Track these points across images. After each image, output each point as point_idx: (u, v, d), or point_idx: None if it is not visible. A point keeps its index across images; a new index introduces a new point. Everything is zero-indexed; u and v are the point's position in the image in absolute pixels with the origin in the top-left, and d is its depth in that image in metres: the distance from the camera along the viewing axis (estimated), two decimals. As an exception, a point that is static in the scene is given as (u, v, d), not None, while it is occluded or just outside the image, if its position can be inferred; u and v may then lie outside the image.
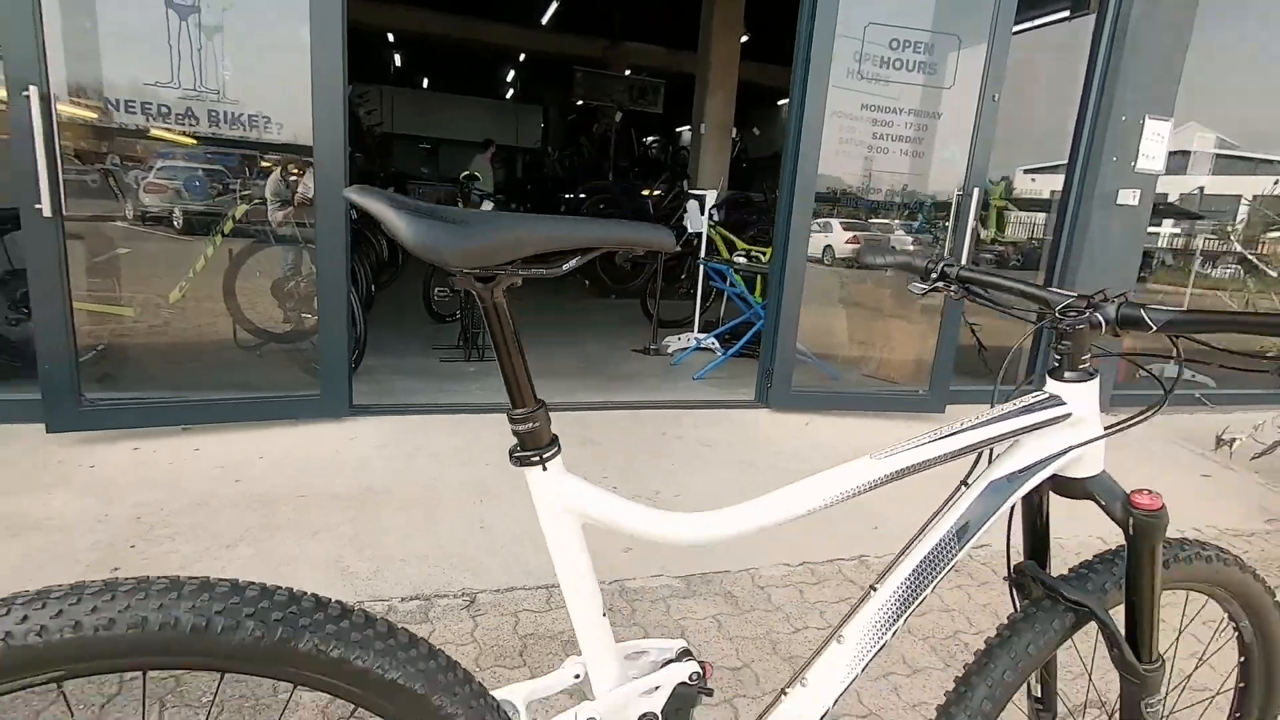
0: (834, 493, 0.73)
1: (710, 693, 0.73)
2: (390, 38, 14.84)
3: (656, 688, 0.71)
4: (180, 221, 3.12)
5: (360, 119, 11.03)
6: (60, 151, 2.37)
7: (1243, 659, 1.08)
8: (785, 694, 0.77)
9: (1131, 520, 0.78)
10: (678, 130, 14.99)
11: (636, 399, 3.67)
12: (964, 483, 0.82)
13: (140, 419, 2.67)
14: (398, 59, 17.03)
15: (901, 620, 0.78)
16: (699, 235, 4.84)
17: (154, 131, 2.67)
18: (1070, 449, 0.80)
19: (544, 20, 13.08)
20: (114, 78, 2.56)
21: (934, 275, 0.96)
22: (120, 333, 3.06)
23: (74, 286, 2.51)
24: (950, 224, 3.54)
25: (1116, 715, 0.89)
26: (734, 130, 9.70)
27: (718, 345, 4.61)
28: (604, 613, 0.69)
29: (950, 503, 0.82)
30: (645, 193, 8.57)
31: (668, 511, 0.68)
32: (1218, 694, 1.63)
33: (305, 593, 0.61)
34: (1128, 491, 0.79)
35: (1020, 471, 0.80)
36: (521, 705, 0.71)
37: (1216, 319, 0.71)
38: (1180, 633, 1.35)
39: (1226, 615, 1.04)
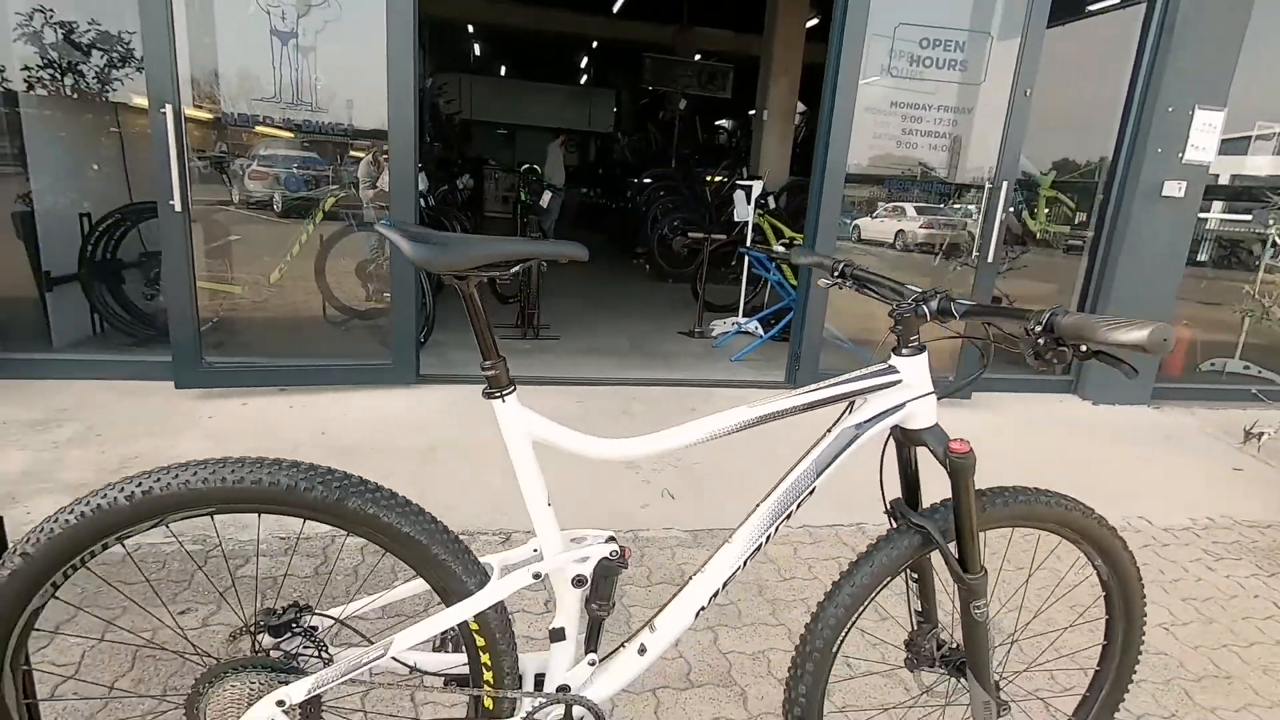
0: (716, 429, 1.01)
1: (625, 565, 1.04)
2: (470, 29, 15.48)
3: (586, 558, 1.02)
4: (279, 207, 3.63)
5: (440, 108, 11.66)
6: (188, 156, 2.87)
7: (1105, 594, 1.30)
8: (684, 587, 1.09)
9: (949, 461, 1.04)
10: (750, 113, 15.00)
11: (675, 377, 3.98)
12: (828, 431, 1.09)
13: (248, 380, 3.19)
14: (477, 49, 17.70)
15: (777, 522, 1.07)
16: (746, 224, 5.06)
17: (259, 131, 3.16)
18: (901, 405, 1.06)
19: (615, 8, 13.35)
20: (230, 93, 3.05)
21: (836, 273, 1.23)
22: (231, 307, 3.61)
23: (196, 267, 3.03)
24: (980, 215, 3.65)
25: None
26: (800, 113, 9.72)
27: (759, 329, 4.83)
28: (549, 504, 1.01)
29: (814, 445, 1.10)
30: (708, 179, 8.78)
31: (589, 435, 0.99)
32: (1076, 622, 1.83)
33: (358, 476, 0.97)
34: (949, 440, 1.04)
35: (866, 421, 1.07)
36: (496, 566, 1.04)
37: (994, 309, 0.97)
38: (1036, 566, 1.55)
39: (1084, 556, 1.26)
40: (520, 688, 1.07)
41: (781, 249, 4.55)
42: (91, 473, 2.47)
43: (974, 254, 3.73)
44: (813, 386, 1.05)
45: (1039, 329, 0.91)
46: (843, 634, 1.13)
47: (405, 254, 0.84)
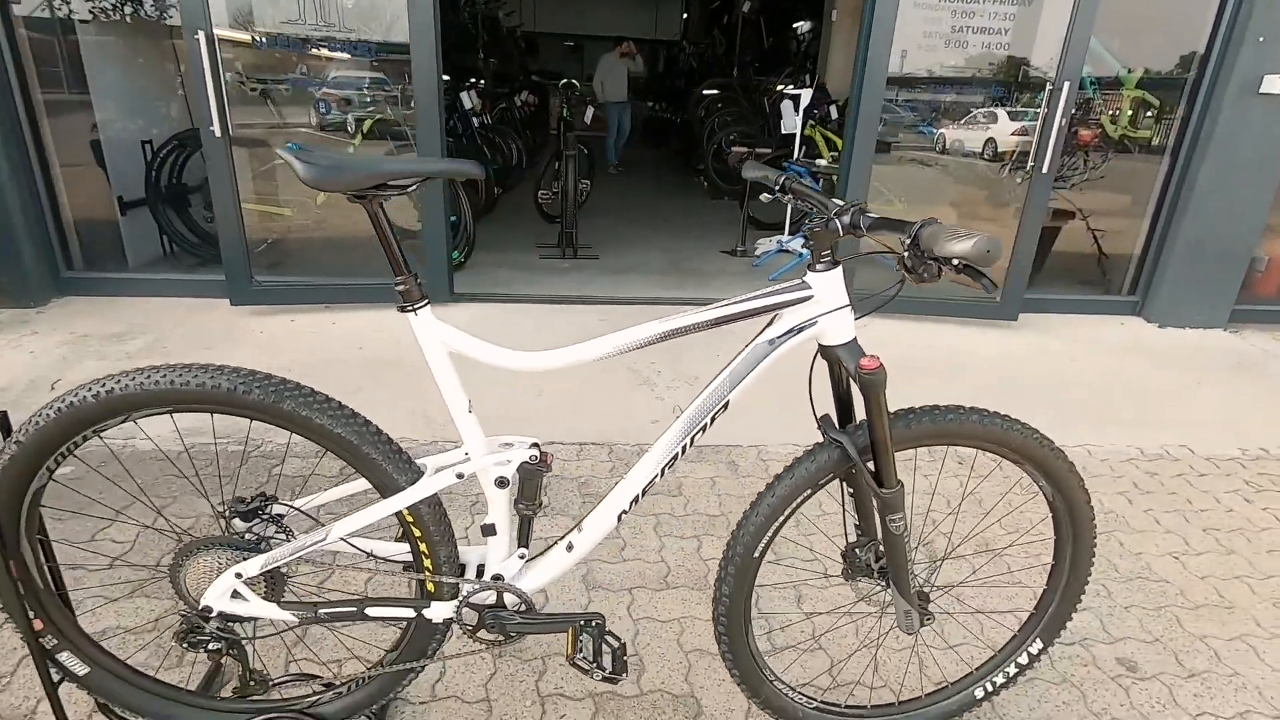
0: (625, 343, 1.05)
1: (548, 469, 1.11)
2: (531, -67, 14.84)
3: (508, 461, 1.10)
4: (319, 125, 3.74)
5: (499, 21, 11.38)
6: (224, 81, 2.98)
7: (1052, 515, 1.29)
8: (609, 493, 1.15)
9: (860, 378, 1.03)
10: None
11: (706, 297, 3.96)
12: (746, 345, 1.10)
13: (295, 297, 3.40)
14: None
15: (692, 433, 1.11)
16: (794, 136, 4.84)
17: (293, 57, 3.24)
18: (814, 320, 1.05)
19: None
20: (261, 17, 3.12)
21: (777, 187, 1.20)
22: (283, 229, 3.81)
23: (243, 191, 3.21)
24: (1039, 119, 3.36)
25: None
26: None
27: (802, 247, 4.70)
28: (469, 410, 1.08)
29: (731, 360, 1.11)
30: (769, 88, 8.33)
31: (501, 347, 1.05)
32: (1018, 541, 1.80)
33: (294, 381, 1.06)
34: (861, 356, 1.03)
35: (779, 336, 1.07)
36: (431, 466, 1.13)
37: (889, 222, 0.95)
38: (968, 482, 1.51)
39: (1027, 476, 1.24)
40: (461, 575, 1.19)
41: (825, 163, 4.34)
42: (156, 380, 2.75)
43: (1029, 164, 3.45)
44: (726, 302, 1.06)
45: (908, 242, 0.88)
46: (764, 541, 1.18)
47: (298, 175, 0.89)
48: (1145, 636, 1.76)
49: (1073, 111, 3.32)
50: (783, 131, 4.83)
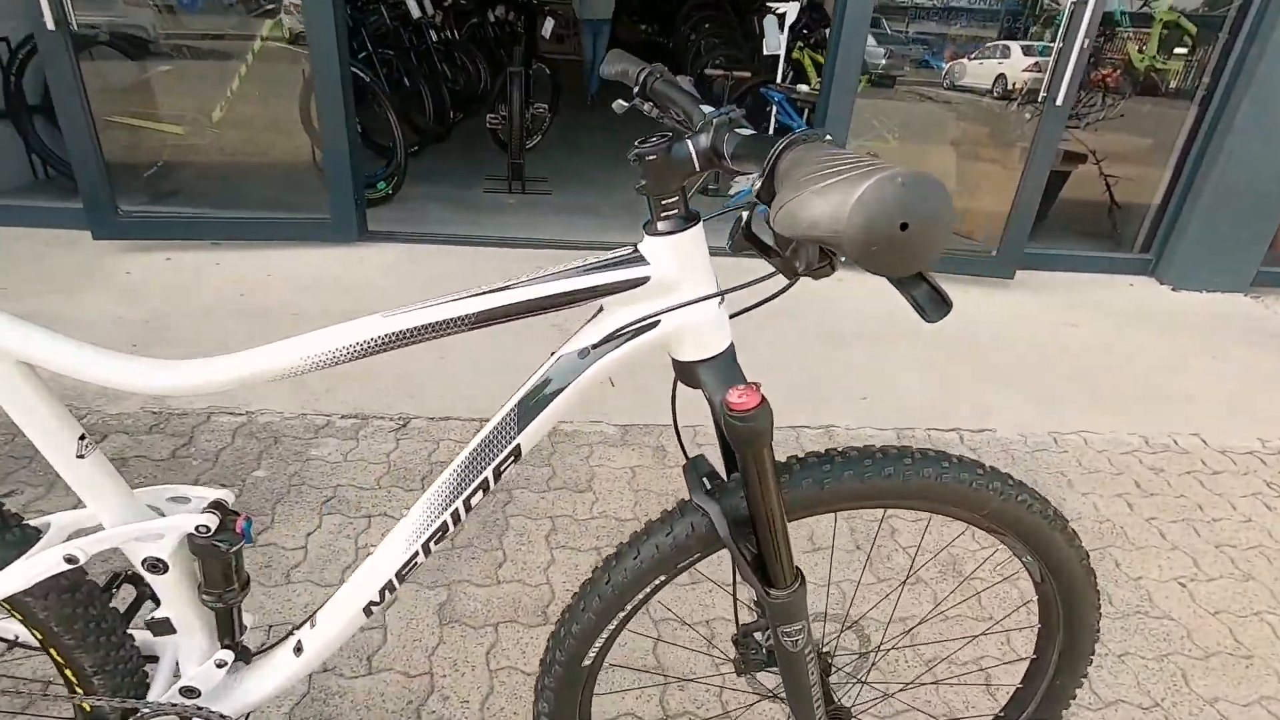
0: (323, 351, 0.61)
1: (240, 539, 0.69)
2: None
3: (160, 536, 0.68)
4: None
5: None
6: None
7: (1039, 599, 0.88)
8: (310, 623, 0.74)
9: (724, 422, 0.60)
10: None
11: (664, 242, 3.47)
12: (552, 353, 0.66)
13: (174, 231, 2.91)
14: None
15: (465, 497, 0.68)
16: (778, 58, 4.25)
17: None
18: (653, 317, 0.61)
19: None
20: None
21: (637, 88, 0.73)
22: (173, 151, 3.27)
23: (123, 104, 2.66)
24: (1058, 40, 2.82)
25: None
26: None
27: (782, 188, 4.18)
28: (82, 452, 0.65)
29: (526, 380, 0.67)
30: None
31: (115, 353, 0.60)
32: (988, 631, 1.41)
33: None
34: (734, 384, 0.60)
35: (598, 345, 0.63)
36: (54, 528, 0.70)
37: (765, 138, 0.50)
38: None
39: (1005, 548, 0.83)
40: (130, 686, 0.77)
41: (808, 89, 3.78)
42: (-18, 330, 2.29)
43: (1041, 95, 2.93)
44: (498, 285, 0.61)
45: (767, 169, 0.44)
46: (596, 646, 0.77)
47: None
48: (1143, 700, 1.39)
49: (1096, 36, 2.78)
50: (765, 52, 4.23)
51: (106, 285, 2.64)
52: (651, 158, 0.56)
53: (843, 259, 0.47)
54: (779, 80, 4.26)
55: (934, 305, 0.49)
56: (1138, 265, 3.51)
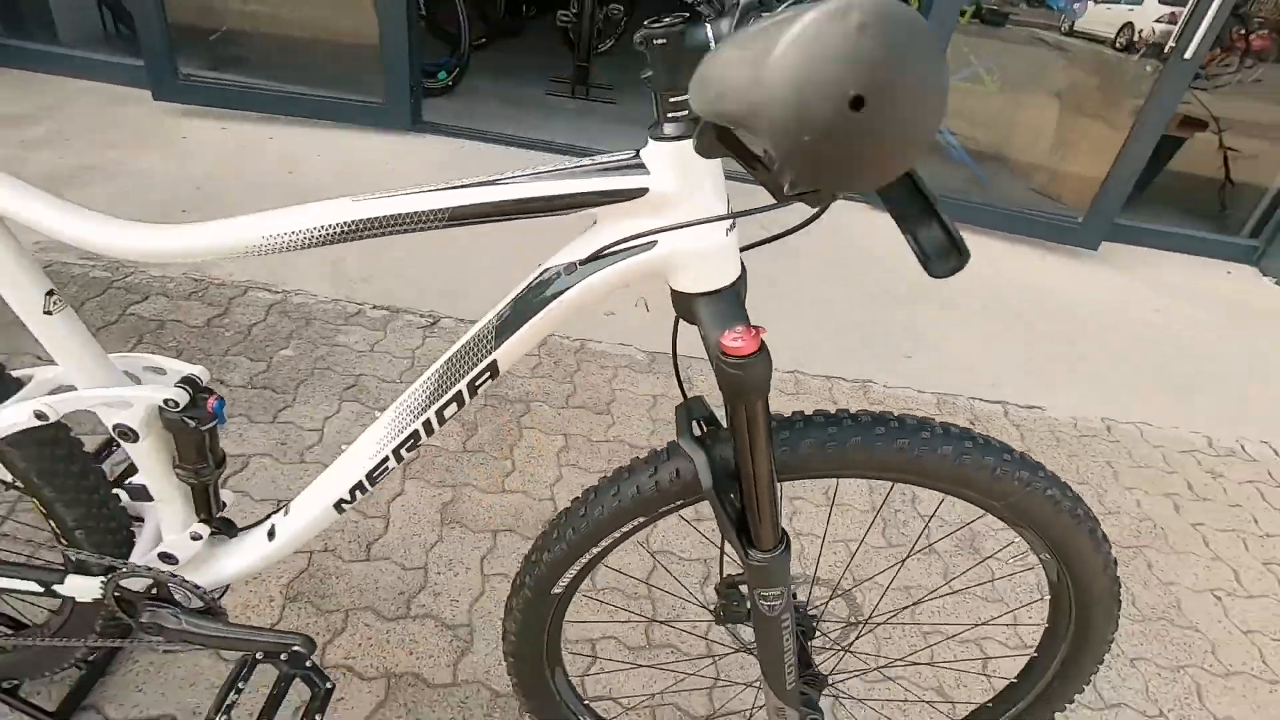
0: (289, 230, 0.55)
1: (208, 418, 0.66)
2: None
3: (129, 404, 0.65)
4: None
5: None
6: None
7: (1052, 597, 0.81)
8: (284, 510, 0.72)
9: (717, 365, 0.53)
10: None
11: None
12: (539, 265, 0.59)
13: (231, 101, 2.88)
14: None
15: (438, 405, 0.64)
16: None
17: None
18: (649, 237, 0.53)
19: None
20: None
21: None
22: (235, 18, 3.20)
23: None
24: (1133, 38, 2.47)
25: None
26: None
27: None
28: (52, 306, 0.62)
29: (507, 296, 0.61)
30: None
31: (84, 209, 0.56)
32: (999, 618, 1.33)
33: None
34: (731, 324, 0.52)
35: (585, 261, 0.56)
36: (26, 390, 0.69)
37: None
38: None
39: (1018, 535, 0.75)
40: (116, 545, 0.78)
41: None
42: (44, 177, 2.34)
43: (1168, 46, 2.59)
44: (473, 181, 0.54)
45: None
46: (566, 579, 0.74)
47: None
48: (1148, 709, 1.33)
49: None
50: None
51: (163, 147, 2.65)
52: (661, 41, 0.46)
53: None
54: None
55: (941, 253, 0.39)
56: (1242, 252, 3.19)
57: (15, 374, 0.69)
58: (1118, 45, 4.13)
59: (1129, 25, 4.17)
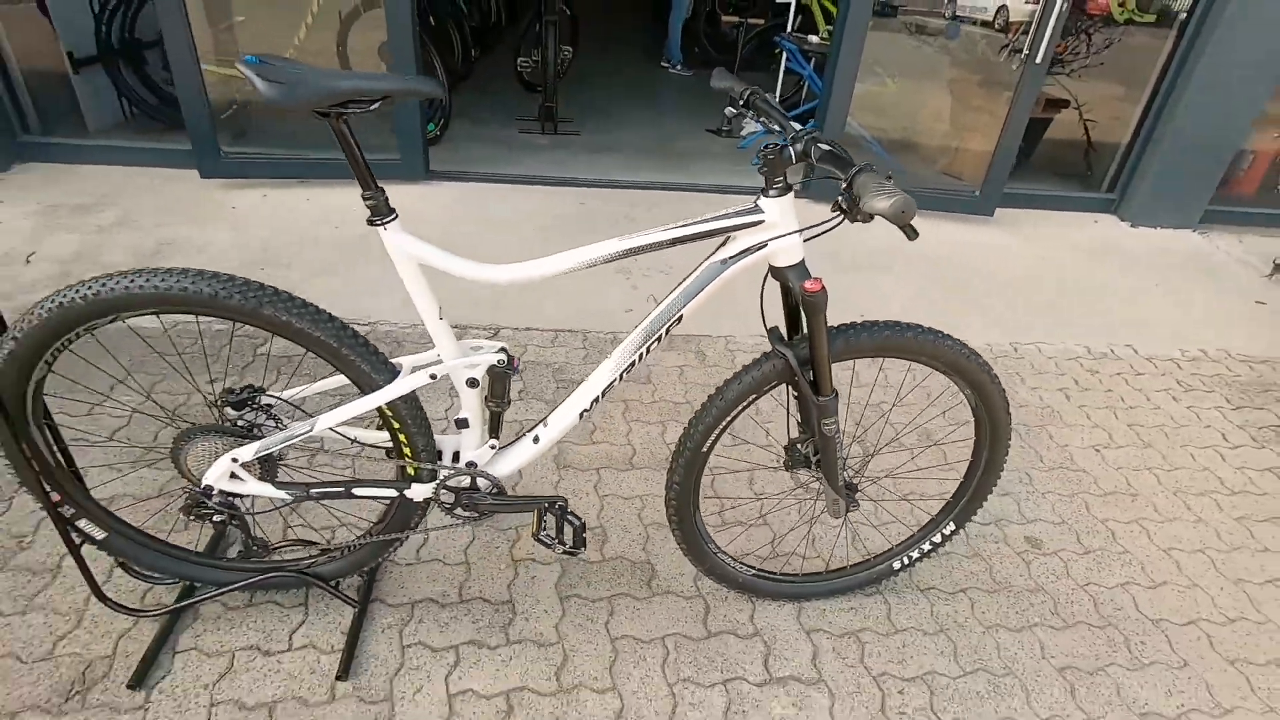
0: (586, 260, 1.11)
1: (515, 371, 1.20)
2: None
3: (477, 364, 1.19)
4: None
5: None
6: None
7: (975, 419, 1.42)
8: (571, 393, 1.26)
9: (802, 298, 1.12)
10: None
11: (685, 181, 3.91)
12: (699, 264, 1.17)
13: (267, 171, 3.32)
14: None
15: (648, 343, 1.20)
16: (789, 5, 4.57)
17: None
18: (764, 244, 1.12)
19: None
20: None
21: (741, 101, 1.21)
22: (249, 93, 3.63)
23: (202, 52, 3.03)
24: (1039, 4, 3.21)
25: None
26: None
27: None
28: (440, 316, 1.16)
29: (685, 277, 1.18)
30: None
31: (463, 259, 1.10)
32: (944, 440, 1.97)
33: (273, 287, 1.12)
34: (807, 278, 1.11)
35: (730, 258, 1.14)
36: (407, 365, 1.22)
37: (835, 158, 1.00)
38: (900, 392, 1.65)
39: (954, 385, 1.37)
40: (438, 461, 1.31)
41: (819, 39, 4.14)
42: (132, 256, 2.75)
43: (1023, 52, 3.34)
44: (681, 223, 1.12)
45: (844, 185, 0.94)
46: (711, 438, 1.31)
47: (260, 93, 0.90)
48: (1054, 518, 1.98)
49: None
50: (776, 0, 4.55)
51: (219, 219, 3.08)
52: (771, 155, 1.04)
53: (858, 218, 0.96)
54: (790, 27, 4.59)
55: (913, 233, 0.98)
56: (1103, 204, 4.00)
57: (393, 361, 1.22)
58: (996, 27, 4.83)
59: (1004, 7, 4.85)
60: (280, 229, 3.05)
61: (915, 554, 1.61)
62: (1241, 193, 4.21)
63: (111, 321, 1.09)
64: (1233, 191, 4.17)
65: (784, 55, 4.52)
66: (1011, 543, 1.88)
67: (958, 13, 4.69)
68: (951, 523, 1.56)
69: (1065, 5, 3.12)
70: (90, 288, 1.05)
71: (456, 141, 4.20)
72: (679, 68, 6.74)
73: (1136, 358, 2.82)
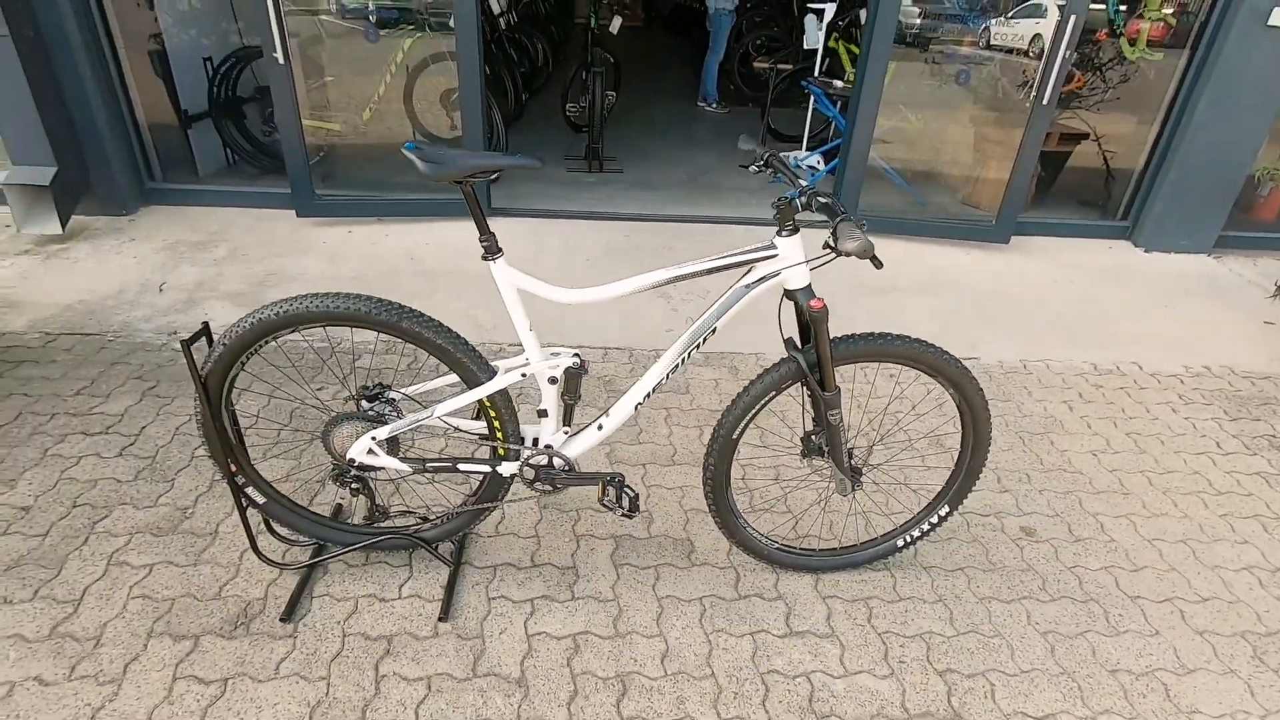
0: (642, 285, 1.45)
1: (585, 372, 1.55)
2: None
3: (557, 366, 1.54)
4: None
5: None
6: (284, 14, 3.25)
7: (960, 417, 1.72)
8: (628, 390, 1.61)
9: (808, 314, 1.44)
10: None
11: (721, 215, 4.27)
12: (729, 287, 1.50)
13: (351, 210, 3.80)
14: None
15: (689, 350, 1.54)
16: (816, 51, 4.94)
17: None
18: (778, 272, 1.45)
19: None
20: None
21: (761, 162, 1.56)
22: (333, 142, 4.14)
23: (300, 108, 3.53)
24: (1045, 49, 3.51)
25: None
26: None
27: (821, 162, 4.91)
28: (530, 329, 1.51)
29: (718, 298, 1.52)
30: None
31: (552, 285, 1.46)
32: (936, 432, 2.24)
33: (409, 306, 1.49)
34: (812, 299, 1.44)
35: (752, 283, 1.47)
36: (502, 368, 1.58)
37: (829, 209, 1.32)
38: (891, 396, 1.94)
39: (941, 387, 1.67)
40: (522, 444, 1.66)
41: (842, 84, 4.49)
42: (245, 284, 3.21)
43: (1031, 93, 3.63)
44: (715, 256, 1.46)
45: (831, 231, 1.27)
46: (740, 427, 1.63)
47: (420, 171, 1.28)
48: (1048, 512, 2.24)
49: (1080, 34, 3.45)
50: (805, 47, 4.92)
51: (313, 252, 3.55)
52: (782, 205, 1.38)
53: (841, 254, 1.29)
54: (817, 72, 4.96)
55: (878, 263, 1.29)
56: (1117, 231, 4.23)
57: (491, 364, 1.58)
58: (1031, 55, 4.99)
59: (1038, 35, 5.03)
60: (367, 261, 3.49)
61: (916, 533, 1.89)
62: (1262, 219, 4.38)
63: (291, 332, 1.48)
64: (1253, 217, 4.34)
65: (813, 99, 4.87)
66: (1007, 531, 2.15)
67: (992, 41, 4.92)
68: (945, 505, 1.85)
69: (1070, 54, 3.41)
70: (281, 306, 1.44)
71: (512, 181, 4.64)
72: (714, 106, 7.19)
73: (1141, 373, 3.04)
